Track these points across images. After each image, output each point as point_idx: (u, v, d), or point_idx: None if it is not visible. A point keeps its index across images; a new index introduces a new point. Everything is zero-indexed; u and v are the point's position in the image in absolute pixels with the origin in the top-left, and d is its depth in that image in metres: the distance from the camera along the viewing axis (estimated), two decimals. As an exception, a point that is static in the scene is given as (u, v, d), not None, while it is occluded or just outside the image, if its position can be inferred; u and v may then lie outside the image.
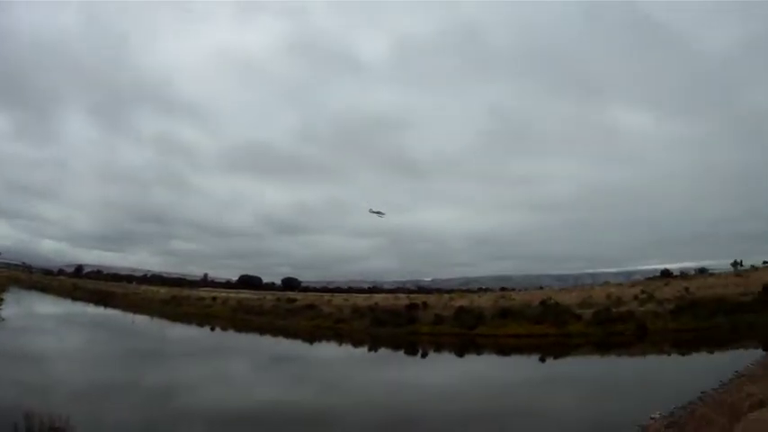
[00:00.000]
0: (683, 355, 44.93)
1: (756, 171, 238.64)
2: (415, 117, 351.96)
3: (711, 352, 44.58)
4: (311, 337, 62.60)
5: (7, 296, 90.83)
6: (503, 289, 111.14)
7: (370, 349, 53.85)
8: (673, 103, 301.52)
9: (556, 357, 46.85)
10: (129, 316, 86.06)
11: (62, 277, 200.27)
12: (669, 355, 45.62)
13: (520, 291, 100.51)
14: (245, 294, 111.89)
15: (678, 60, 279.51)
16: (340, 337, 61.64)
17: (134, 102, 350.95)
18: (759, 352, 35.22)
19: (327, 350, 55.89)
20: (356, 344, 57.30)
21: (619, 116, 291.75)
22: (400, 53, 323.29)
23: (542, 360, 45.35)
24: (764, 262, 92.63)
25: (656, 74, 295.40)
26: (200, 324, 78.53)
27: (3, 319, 57.00)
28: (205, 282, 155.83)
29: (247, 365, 43.32)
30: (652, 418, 19.12)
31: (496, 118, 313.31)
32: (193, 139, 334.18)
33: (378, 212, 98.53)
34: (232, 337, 66.49)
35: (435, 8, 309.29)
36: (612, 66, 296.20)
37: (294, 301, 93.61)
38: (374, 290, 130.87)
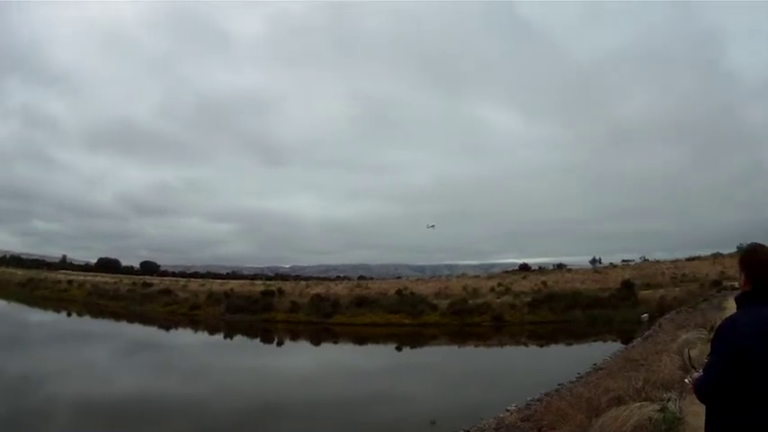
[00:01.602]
0: (540, 347, 45.71)
1: (615, 175, 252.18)
2: (280, 99, 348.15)
3: (569, 344, 45.19)
4: (167, 324, 60.68)
5: None
6: (360, 278, 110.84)
7: (225, 336, 52.76)
8: (542, 105, 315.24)
9: (413, 347, 46.85)
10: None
11: None
12: (527, 346, 46.33)
13: (377, 280, 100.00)
14: (103, 278, 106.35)
15: (551, 65, 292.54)
16: (195, 324, 60.25)
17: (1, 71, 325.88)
18: (617, 345, 35.27)
19: (183, 337, 53.84)
20: (212, 331, 55.81)
21: (486, 113, 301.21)
22: (272, 32, 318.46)
23: (399, 349, 45.59)
24: (623, 260, 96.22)
25: (528, 76, 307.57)
26: (57, 309, 73.57)
27: None
28: (63, 264, 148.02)
29: (102, 354, 40.21)
30: (508, 410, 17.87)
31: (362, 105, 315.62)
32: (58, 112, 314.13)
33: (432, 226, 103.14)
34: (87, 324, 62.60)
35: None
36: (484, 64, 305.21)
37: (150, 285, 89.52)
38: (233, 276, 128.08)
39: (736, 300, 3.93)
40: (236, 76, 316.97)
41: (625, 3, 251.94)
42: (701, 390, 3.81)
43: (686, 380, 4.77)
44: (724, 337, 3.70)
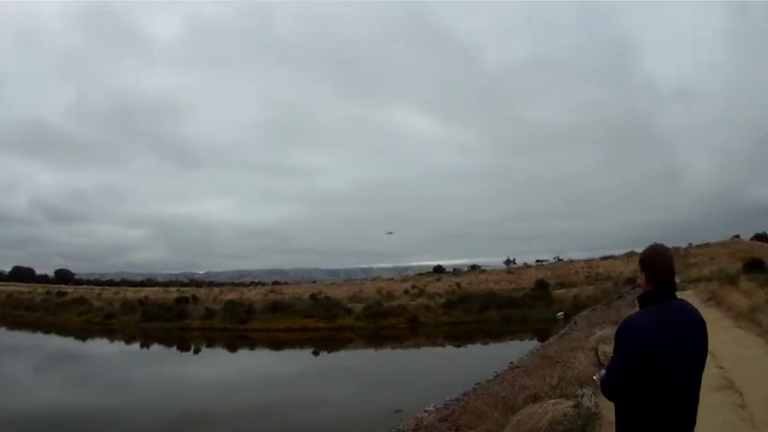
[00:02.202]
0: (457, 347, 46.27)
1: (529, 178, 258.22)
2: (195, 101, 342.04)
3: (485, 344, 45.94)
4: (83, 334, 58.84)
5: None
6: (275, 283, 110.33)
7: (142, 346, 51.52)
8: (456, 109, 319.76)
9: (329, 351, 46.88)
10: None
11: None
12: (443, 347, 46.92)
13: (292, 284, 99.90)
14: (17, 287, 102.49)
15: (465, 71, 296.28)
16: (111, 333, 58.70)
17: None
18: (533, 343, 35.87)
19: (99, 348, 52.27)
20: (128, 340, 54.53)
21: (401, 117, 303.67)
22: (188, 33, 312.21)
23: (316, 354, 45.81)
24: (537, 261, 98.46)
25: (443, 81, 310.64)
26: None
27: None
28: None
29: (18, 367, 38.83)
30: (426, 411, 17.81)
31: (277, 108, 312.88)
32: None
33: (390, 233, 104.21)
34: (2, 336, 60.53)
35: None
36: (399, 70, 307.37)
37: (64, 294, 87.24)
38: (147, 283, 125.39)
39: (639, 299, 3.99)
40: (151, 77, 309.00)
41: (539, 10, 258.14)
42: (606, 387, 3.87)
43: (594, 377, 4.78)
44: (626, 335, 3.74)
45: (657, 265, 3.87)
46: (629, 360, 3.63)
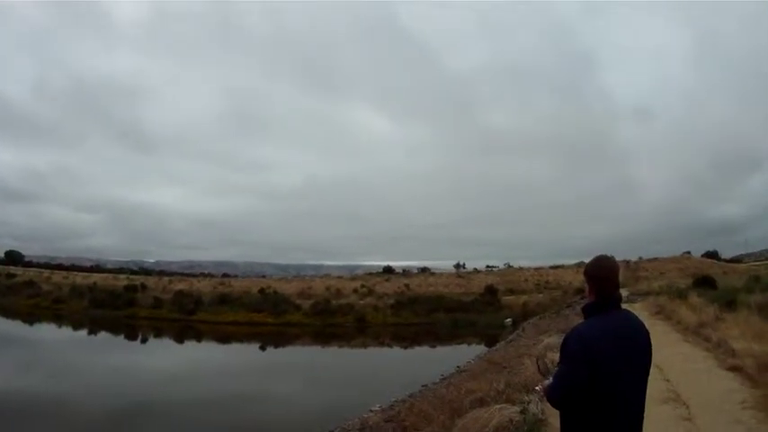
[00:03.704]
0: (404, 348, 46.63)
1: (482, 183, 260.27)
2: (155, 88, 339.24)
3: (433, 347, 46.20)
4: (31, 318, 58.51)
5: None
6: (224, 275, 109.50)
7: (89, 332, 51.38)
8: (414, 111, 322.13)
9: (276, 347, 47.18)
10: None
11: None
12: (390, 347, 47.18)
13: (241, 278, 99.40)
14: None
15: (426, 73, 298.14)
16: (59, 319, 58.41)
17: None
18: (480, 348, 36.29)
19: (47, 333, 51.67)
20: (76, 326, 54.22)
21: (358, 116, 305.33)
22: (153, 17, 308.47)
23: (262, 349, 45.95)
24: (487, 266, 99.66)
25: (404, 82, 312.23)
26: None
27: None
28: None
29: None
30: (371, 411, 17.86)
31: (235, 100, 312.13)
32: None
33: None
34: None
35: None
36: (359, 68, 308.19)
37: (14, 276, 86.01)
38: (96, 269, 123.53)
39: (583, 310, 4.04)
40: (114, 60, 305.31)
41: (502, 17, 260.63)
42: (552, 396, 3.90)
43: (537, 387, 4.91)
44: (573, 344, 3.77)
45: (602, 276, 3.91)
46: (576, 367, 3.66)
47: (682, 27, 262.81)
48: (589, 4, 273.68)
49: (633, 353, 3.76)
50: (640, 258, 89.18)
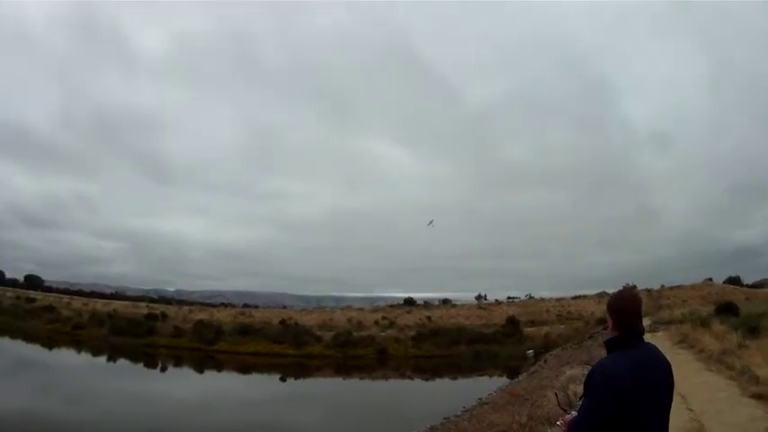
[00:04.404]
0: (425, 380, 46.49)
1: (502, 215, 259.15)
2: (175, 118, 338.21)
3: (454, 378, 46.11)
4: (50, 343, 58.24)
5: None
6: (245, 305, 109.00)
7: (108, 359, 51.16)
8: (434, 143, 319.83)
9: (297, 378, 47.10)
10: None
11: None
12: (411, 379, 47.01)
13: (262, 308, 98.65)
14: None
15: (445, 106, 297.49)
16: (78, 344, 58.05)
17: None
18: (502, 380, 36.00)
19: (67, 358, 51.45)
20: (95, 352, 53.93)
21: (376, 148, 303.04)
22: (174, 49, 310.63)
23: (283, 380, 45.74)
24: (508, 297, 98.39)
25: (423, 114, 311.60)
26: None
27: None
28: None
29: None
30: None
31: (256, 132, 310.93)
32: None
33: (431, 222, 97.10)
34: None
35: (213, 8, 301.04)
36: (379, 100, 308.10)
37: (33, 300, 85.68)
38: (117, 296, 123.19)
39: (606, 344, 4.02)
40: (135, 90, 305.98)
41: (519, 50, 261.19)
42: (579, 429, 3.83)
43: (558, 422, 4.98)
44: (598, 377, 3.75)
45: (624, 309, 3.93)
46: (602, 402, 3.64)
47: (697, 53, 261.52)
48: (604, 34, 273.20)
49: (656, 387, 3.75)
50: (662, 286, 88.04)
